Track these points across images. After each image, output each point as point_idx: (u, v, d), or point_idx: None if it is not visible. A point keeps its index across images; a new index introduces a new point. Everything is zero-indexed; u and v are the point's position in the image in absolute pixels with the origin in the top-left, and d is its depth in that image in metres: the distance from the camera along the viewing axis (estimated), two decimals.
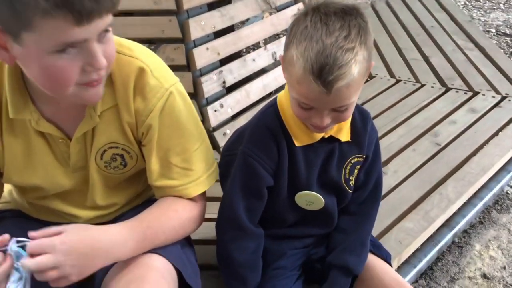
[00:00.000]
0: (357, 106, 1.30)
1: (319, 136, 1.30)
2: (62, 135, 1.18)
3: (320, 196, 1.35)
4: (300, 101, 1.17)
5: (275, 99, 1.34)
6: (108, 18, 0.98)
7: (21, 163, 1.21)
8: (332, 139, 1.32)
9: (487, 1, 5.85)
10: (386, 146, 2.30)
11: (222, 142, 2.35)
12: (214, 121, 2.37)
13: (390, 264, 1.45)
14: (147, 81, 1.16)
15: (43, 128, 1.16)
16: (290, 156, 1.30)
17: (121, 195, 1.36)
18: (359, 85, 1.14)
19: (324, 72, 1.07)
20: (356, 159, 1.37)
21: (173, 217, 1.23)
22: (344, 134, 1.33)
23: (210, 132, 2.35)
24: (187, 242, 1.33)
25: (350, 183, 1.39)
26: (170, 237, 1.21)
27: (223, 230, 1.35)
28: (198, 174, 1.25)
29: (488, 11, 5.59)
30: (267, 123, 1.30)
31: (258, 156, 1.28)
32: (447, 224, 2.01)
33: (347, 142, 1.33)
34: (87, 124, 1.17)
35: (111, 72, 1.14)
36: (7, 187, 1.40)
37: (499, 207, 2.73)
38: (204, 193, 1.30)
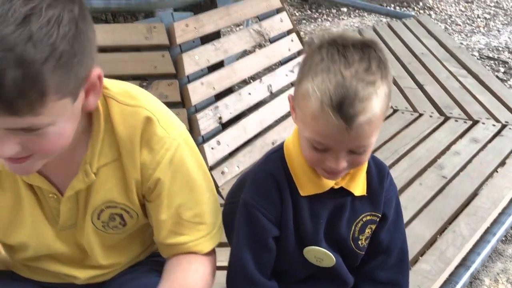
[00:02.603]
0: (373, 157, 1.20)
1: (327, 186, 1.19)
2: (53, 189, 1.07)
3: (330, 254, 1.23)
4: (314, 141, 1.06)
5: (282, 144, 1.24)
6: (26, 120, 0.82)
7: (7, 218, 1.10)
8: (343, 191, 1.21)
9: (467, 25, 5.92)
10: None
11: (220, 181, 2.24)
12: (211, 159, 2.26)
13: None
14: (154, 131, 1.06)
15: (33, 181, 1.05)
16: (294, 206, 1.19)
17: (124, 254, 1.25)
18: (379, 123, 1.04)
19: (344, 105, 0.97)
20: (369, 217, 1.25)
21: (197, 278, 1.13)
22: (358, 186, 1.21)
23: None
24: None
25: (359, 242, 1.27)
26: None
27: (236, 286, 1.24)
28: (210, 228, 1.16)
29: (469, 35, 5.65)
30: (271, 169, 1.19)
31: (260, 205, 1.17)
32: (463, 263, 1.92)
33: (360, 197, 1.23)
34: (81, 181, 1.05)
35: (114, 125, 1.03)
36: None
37: (503, 238, 2.66)
38: None
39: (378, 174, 1.24)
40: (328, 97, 0.98)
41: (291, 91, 2.89)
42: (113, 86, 1.07)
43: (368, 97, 0.98)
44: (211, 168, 2.25)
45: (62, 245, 1.15)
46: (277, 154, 1.21)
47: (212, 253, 1.19)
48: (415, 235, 1.90)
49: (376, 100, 1.00)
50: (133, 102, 1.06)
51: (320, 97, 0.99)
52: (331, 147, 1.06)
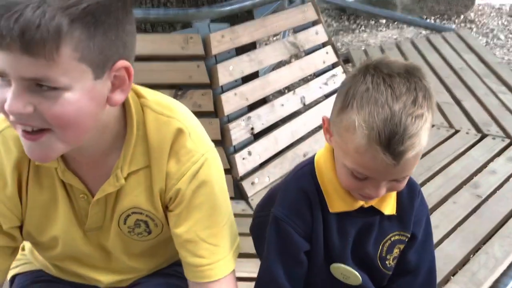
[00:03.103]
0: None
1: (358, 204, 1.17)
2: (84, 189, 1.10)
3: (356, 273, 1.22)
4: (356, 171, 1.05)
5: (312, 158, 1.23)
6: (40, 68, 0.83)
7: (42, 215, 1.13)
8: (372, 210, 1.19)
9: (509, 39, 5.77)
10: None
11: (250, 191, 2.25)
12: (242, 169, 2.27)
13: None
14: (184, 143, 1.07)
15: (67, 178, 1.08)
16: (324, 223, 1.19)
17: (147, 262, 1.27)
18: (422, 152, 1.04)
19: (393, 142, 0.96)
20: (397, 237, 1.23)
21: None
22: (388, 206, 1.20)
23: (238, 181, 2.25)
24: None
25: (387, 262, 1.24)
26: None
27: None
28: (226, 252, 1.15)
29: (511, 50, 5.51)
30: (301, 184, 1.19)
31: (292, 220, 1.17)
32: (495, 285, 1.86)
33: (389, 216, 1.21)
34: (111, 185, 1.08)
35: (147, 133, 1.06)
36: (27, 246, 1.32)
37: None
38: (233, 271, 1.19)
39: (408, 193, 1.22)
40: (376, 133, 0.97)
41: (324, 103, 2.90)
42: (150, 96, 1.10)
43: (417, 132, 0.98)
44: (241, 179, 2.26)
45: (88, 247, 1.18)
46: (307, 168, 1.21)
47: (230, 277, 1.17)
48: (447, 255, 1.86)
49: (423, 134, 0.99)
50: (168, 113, 1.08)
51: (367, 132, 0.98)
52: (374, 177, 1.05)
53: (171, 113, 1.08)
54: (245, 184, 2.26)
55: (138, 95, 1.08)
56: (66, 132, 0.92)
